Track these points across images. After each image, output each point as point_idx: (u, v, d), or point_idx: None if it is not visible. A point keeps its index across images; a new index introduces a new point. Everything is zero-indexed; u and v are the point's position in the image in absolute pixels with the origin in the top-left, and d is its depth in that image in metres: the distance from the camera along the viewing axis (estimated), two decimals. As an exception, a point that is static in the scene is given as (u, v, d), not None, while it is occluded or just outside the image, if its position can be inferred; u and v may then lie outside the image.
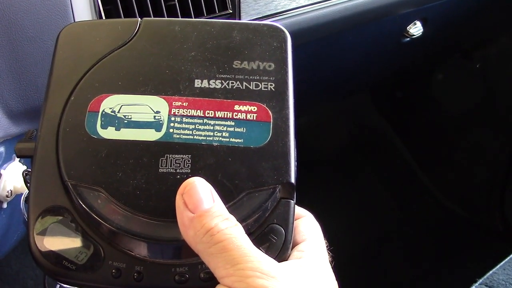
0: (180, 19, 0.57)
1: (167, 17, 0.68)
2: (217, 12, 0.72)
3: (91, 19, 0.64)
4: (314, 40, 0.89)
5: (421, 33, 1.05)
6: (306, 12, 0.81)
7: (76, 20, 0.63)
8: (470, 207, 1.50)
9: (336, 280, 0.37)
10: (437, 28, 1.13)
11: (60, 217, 0.37)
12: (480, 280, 0.71)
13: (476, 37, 1.39)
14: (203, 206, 0.34)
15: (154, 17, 0.68)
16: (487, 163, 1.49)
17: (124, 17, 0.66)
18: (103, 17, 0.65)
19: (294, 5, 0.79)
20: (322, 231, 0.40)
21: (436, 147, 1.59)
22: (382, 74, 1.42)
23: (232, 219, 0.34)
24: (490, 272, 0.71)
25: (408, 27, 1.03)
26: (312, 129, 1.59)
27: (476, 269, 0.75)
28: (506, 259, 0.73)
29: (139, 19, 0.43)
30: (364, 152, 1.64)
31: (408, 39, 1.06)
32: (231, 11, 0.73)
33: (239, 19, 0.74)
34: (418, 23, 1.04)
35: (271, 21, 0.75)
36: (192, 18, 0.70)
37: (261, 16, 0.76)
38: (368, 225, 1.48)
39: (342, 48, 1.05)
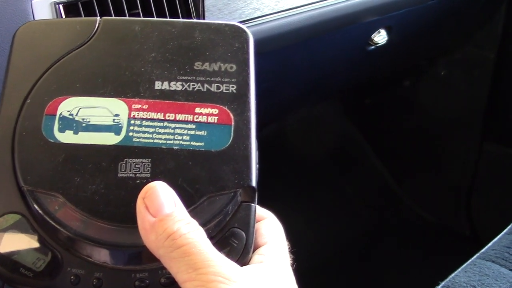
0: (141, 18, 0.56)
1: None
2: (181, 20, 0.72)
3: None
4: (281, 48, 0.90)
5: (385, 41, 1.07)
6: (271, 20, 0.81)
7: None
8: (438, 211, 1.52)
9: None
10: (402, 36, 1.15)
11: (17, 224, 0.36)
12: (442, 283, 0.71)
13: (440, 45, 1.42)
14: (165, 210, 0.34)
15: None
16: (454, 169, 1.52)
17: None
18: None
19: (258, 13, 0.79)
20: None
21: (404, 152, 1.62)
22: (351, 82, 1.43)
23: (194, 223, 0.34)
24: (452, 274, 0.72)
25: (372, 36, 1.05)
26: (281, 137, 1.59)
27: (443, 273, 0.76)
28: (468, 262, 0.74)
29: (98, 18, 0.42)
30: (335, 158, 1.65)
31: (373, 47, 1.07)
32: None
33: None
34: (383, 31, 1.05)
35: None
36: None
37: (225, 24, 0.77)
38: (338, 232, 1.49)
39: (309, 56, 1.05)
